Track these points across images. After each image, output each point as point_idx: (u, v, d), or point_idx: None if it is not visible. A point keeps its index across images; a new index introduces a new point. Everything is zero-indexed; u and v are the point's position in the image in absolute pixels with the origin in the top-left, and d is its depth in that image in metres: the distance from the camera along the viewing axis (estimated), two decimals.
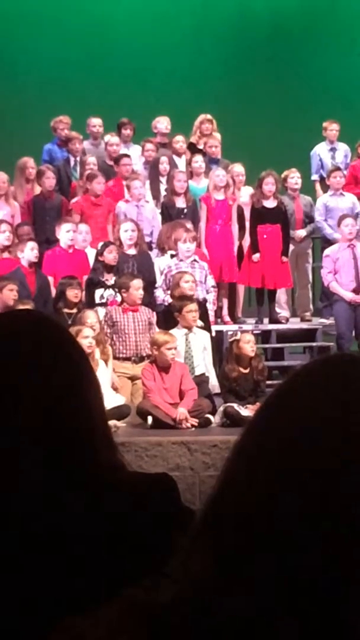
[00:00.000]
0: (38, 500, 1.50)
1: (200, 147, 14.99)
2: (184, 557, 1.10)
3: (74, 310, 11.45)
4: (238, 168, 14.34)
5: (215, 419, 10.47)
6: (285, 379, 1.15)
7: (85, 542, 1.51)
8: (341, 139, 15.43)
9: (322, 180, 15.08)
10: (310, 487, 1.05)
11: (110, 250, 12.27)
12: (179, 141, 14.77)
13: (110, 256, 12.22)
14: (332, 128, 15.32)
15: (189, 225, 12.82)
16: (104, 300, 12.03)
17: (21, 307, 10.42)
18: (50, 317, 1.73)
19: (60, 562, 1.50)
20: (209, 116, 15.15)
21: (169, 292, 11.87)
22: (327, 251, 13.18)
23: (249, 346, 10.69)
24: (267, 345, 13.04)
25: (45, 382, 1.55)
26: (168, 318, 11.48)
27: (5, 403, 1.52)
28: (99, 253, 12.32)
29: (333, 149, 15.39)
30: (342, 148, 15.42)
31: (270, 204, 13.49)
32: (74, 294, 11.61)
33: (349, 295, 12.67)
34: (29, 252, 12.05)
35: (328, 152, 15.36)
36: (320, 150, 15.39)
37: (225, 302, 13.50)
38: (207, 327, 11.61)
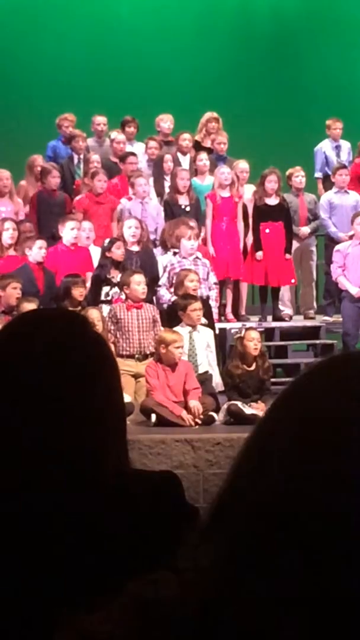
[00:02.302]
0: (41, 496, 1.51)
1: (206, 145, 14.98)
2: (191, 554, 1.10)
3: (78, 309, 11.43)
4: (242, 165, 14.33)
5: (218, 417, 10.46)
6: (295, 378, 1.14)
7: (90, 538, 1.51)
8: (343, 136, 15.41)
9: (326, 177, 15.06)
10: (318, 487, 1.04)
11: (118, 246, 12.26)
12: (186, 139, 14.75)
13: (119, 252, 12.21)
14: (335, 127, 15.27)
15: (192, 222, 12.81)
16: (108, 298, 12.02)
17: (26, 304, 10.42)
18: (84, 318, 1.74)
19: (66, 559, 1.50)
20: (215, 114, 15.13)
21: (172, 289, 11.86)
22: (338, 246, 13.15)
23: (253, 344, 10.65)
24: (270, 343, 13.02)
25: (79, 384, 1.55)
26: (172, 316, 11.47)
27: (31, 402, 1.53)
28: (106, 249, 12.30)
29: (337, 147, 15.36)
30: (346, 146, 15.39)
31: (272, 201, 13.49)
32: (80, 293, 11.61)
33: (355, 290, 12.66)
34: (36, 251, 11.99)
35: (333, 150, 15.34)
36: (325, 148, 15.36)
37: (229, 300, 13.50)
38: (210, 325, 11.60)
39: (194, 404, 10.23)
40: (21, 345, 1.58)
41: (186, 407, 10.29)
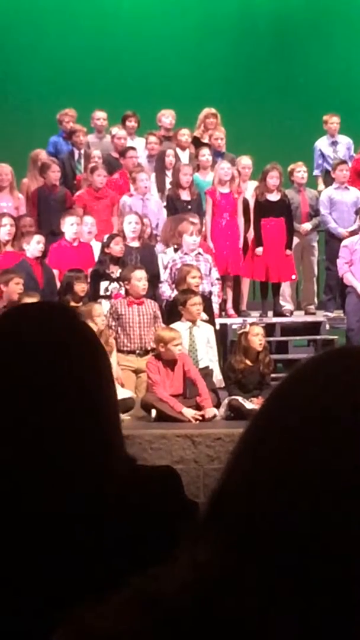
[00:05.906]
0: (40, 493, 1.51)
1: (204, 140, 14.98)
2: (190, 549, 1.10)
3: (80, 304, 11.44)
4: (245, 160, 14.31)
5: (219, 412, 10.47)
6: (291, 371, 1.14)
7: (90, 534, 1.52)
8: (345, 132, 15.36)
9: (327, 173, 15.03)
10: (313, 482, 1.04)
11: (117, 242, 12.27)
12: (185, 134, 14.75)
13: (117, 248, 12.21)
14: (332, 121, 15.21)
15: (194, 218, 12.80)
16: (108, 293, 12.02)
17: (27, 299, 10.41)
18: (77, 312, 1.74)
19: (66, 555, 1.50)
20: (213, 110, 15.13)
21: (174, 285, 11.85)
22: (345, 241, 13.13)
23: (257, 339, 10.67)
24: (271, 339, 13.02)
25: (69, 378, 1.55)
26: (172, 311, 11.47)
27: (25, 398, 1.53)
28: (105, 245, 12.31)
29: (334, 143, 15.30)
30: (344, 141, 15.32)
31: (274, 197, 13.48)
32: (82, 288, 11.61)
33: None
34: (34, 246, 11.95)
35: (330, 146, 15.30)
36: (321, 145, 15.33)
37: (229, 295, 13.50)
38: (211, 321, 11.60)
39: (211, 413, 10.27)
40: (17, 341, 1.58)
41: (197, 407, 10.32)
